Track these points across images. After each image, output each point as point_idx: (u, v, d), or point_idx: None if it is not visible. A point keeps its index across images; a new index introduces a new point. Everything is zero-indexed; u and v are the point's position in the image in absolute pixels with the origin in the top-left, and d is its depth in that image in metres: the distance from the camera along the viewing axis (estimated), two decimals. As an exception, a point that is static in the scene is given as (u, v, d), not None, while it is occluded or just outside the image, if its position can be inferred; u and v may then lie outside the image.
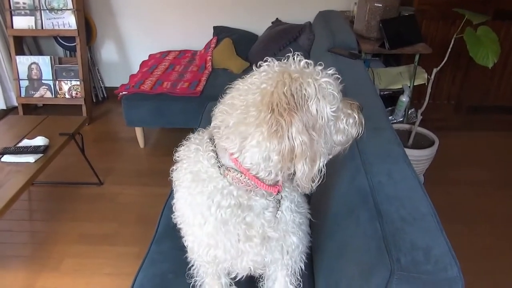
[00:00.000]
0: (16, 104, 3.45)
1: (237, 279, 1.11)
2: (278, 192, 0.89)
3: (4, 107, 3.47)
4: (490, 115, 3.14)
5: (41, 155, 2.06)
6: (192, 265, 1.11)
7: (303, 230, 1.01)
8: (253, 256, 0.94)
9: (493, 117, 3.13)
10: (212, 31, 3.45)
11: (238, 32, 3.36)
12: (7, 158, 2.02)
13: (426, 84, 2.54)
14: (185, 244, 1.03)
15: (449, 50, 2.12)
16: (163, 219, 1.52)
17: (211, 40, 3.35)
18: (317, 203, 1.33)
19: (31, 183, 2.03)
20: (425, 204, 0.91)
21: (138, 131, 2.97)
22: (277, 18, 3.38)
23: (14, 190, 1.80)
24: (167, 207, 1.58)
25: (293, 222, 0.95)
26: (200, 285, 1.14)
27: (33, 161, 2.01)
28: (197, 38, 3.49)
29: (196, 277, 1.13)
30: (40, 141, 2.15)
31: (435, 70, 2.20)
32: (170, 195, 1.65)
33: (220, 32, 3.38)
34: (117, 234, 2.19)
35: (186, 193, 0.93)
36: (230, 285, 1.16)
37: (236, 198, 0.87)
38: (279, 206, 0.91)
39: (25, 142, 2.15)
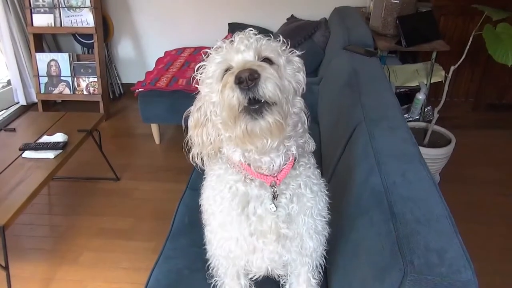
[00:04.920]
0: (35, 100, 3.52)
1: (254, 278, 1.12)
2: (274, 185, 0.88)
3: (25, 103, 3.55)
4: (509, 114, 3.07)
5: (60, 151, 2.11)
6: (210, 263, 1.12)
7: (324, 236, 1.00)
8: (269, 254, 0.94)
9: (513, 115, 3.07)
10: (227, 27, 3.46)
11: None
12: (28, 154, 2.08)
13: (443, 81, 2.50)
14: (205, 235, 1.04)
15: (467, 47, 2.08)
16: (178, 215, 1.54)
17: (226, 36, 3.36)
18: (330, 202, 1.33)
19: (51, 178, 2.08)
20: (440, 206, 0.91)
21: (154, 128, 3.01)
22: (292, 15, 3.36)
23: (35, 185, 1.85)
24: (182, 203, 1.61)
25: (308, 227, 0.94)
26: (220, 285, 1.16)
27: (52, 157, 2.06)
28: (212, 35, 3.50)
29: (216, 277, 1.15)
30: (59, 137, 2.20)
31: (452, 68, 2.17)
32: (185, 192, 1.68)
33: (235, 29, 3.36)
34: (134, 229, 2.23)
35: (208, 183, 0.98)
36: (250, 287, 1.17)
37: (239, 187, 0.90)
38: (275, 199, 0.89)
39: (45, 138, 2.21)
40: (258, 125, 0.74)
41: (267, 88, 0.72)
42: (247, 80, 0.70)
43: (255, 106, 0.73)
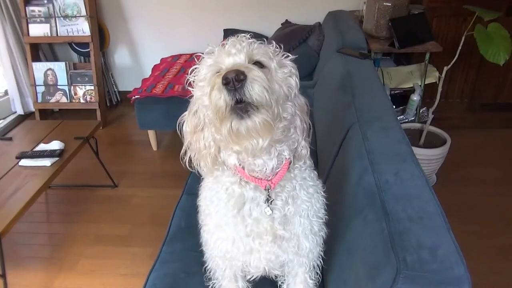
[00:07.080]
0: (33, 109, 3.53)
1: (251, 278, 1.12)
2: (268, 189, 0.88)
3: (22, 113, 3.56)
4: (504, 113, 3.08)
5: (57, 158, 2.11)
6: (207, 265, 1.11)
7: (321, 236, 1.00)
8: (266, 254, 0.94)
9: (507, 114, 3.07)
10: (223, 33, 3.48)
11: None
12: (24, 162, 2.08)
13: (438, 82, 2.52)
14: (202, 235, 1.04)
15: (460, 48, 2.10)
16: (175, 220, 1.55)
17: (221, 42, 3.37)
18: (327, 203, 1.33)
19: (48, 186, 2.08)
20: (432, 204, 0.91)
21: (151, 134, 3.02)
22: (286, 20, 3.39)
23: (32, 193, 1.85)
24: (179, 208, 1.61)
25: (305, 228, 0.94)
26: None
27: (49, 164, 2.06)
28: (207, 41, 3.48)
29: (214, 280, 1.14)
30: (56, 145, 2.21)
31: (445, 68, 2.18)
32: (182, 196, 1.68)
33: (231, 35, 3.38)
34: (131, 235, 2.23)
35: (205, 184, 0.99)
36: None
37: (235, 189, 0.90)
38: (269, 203, 0.89)
39: (42, 146, 2.21)
40: (244, 124, 0.73)
41: (254, 90, 0.71)
42: (233, 81, 0.70)
43: (241, 105, 0.72)
